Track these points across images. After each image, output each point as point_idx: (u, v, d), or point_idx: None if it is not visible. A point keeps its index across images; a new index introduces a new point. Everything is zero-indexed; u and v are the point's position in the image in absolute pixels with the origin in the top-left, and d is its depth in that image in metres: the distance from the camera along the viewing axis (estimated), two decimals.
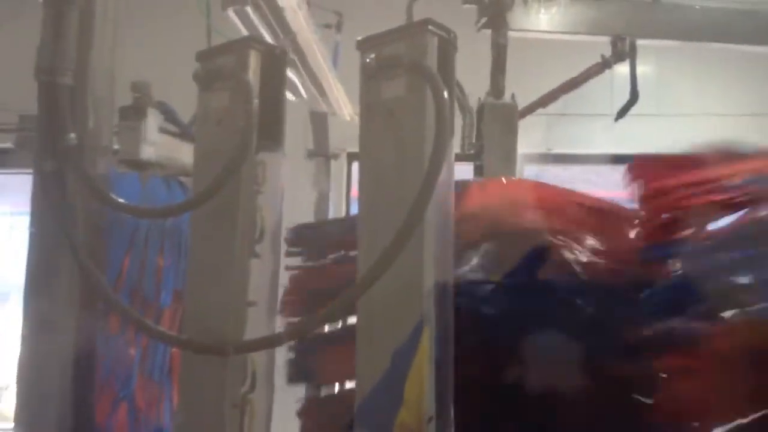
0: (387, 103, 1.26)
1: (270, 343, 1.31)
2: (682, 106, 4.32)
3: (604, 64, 2.65)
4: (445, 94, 1.18)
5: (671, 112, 4.27)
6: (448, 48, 1.27)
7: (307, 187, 3.38)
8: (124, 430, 3.21)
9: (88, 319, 1.46)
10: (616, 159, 4.57)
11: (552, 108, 3.03)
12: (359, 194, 1.30)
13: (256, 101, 1.33)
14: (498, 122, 2.08)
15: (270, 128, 1.42)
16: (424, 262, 1.21)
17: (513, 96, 2.16)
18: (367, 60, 1.28)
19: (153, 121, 2.72)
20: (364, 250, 1.26)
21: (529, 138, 3.97)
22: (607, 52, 2.66)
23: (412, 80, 1.23)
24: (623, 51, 2.58)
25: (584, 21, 2.61)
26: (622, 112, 2.80)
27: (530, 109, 2.63)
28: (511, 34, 2.40)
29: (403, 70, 1.24)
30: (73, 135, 1.35)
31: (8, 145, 3.86)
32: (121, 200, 1.35)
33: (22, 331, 1.39)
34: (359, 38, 1.33)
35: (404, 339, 1.19)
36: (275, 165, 1.43)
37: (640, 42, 2.69)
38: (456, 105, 2.65)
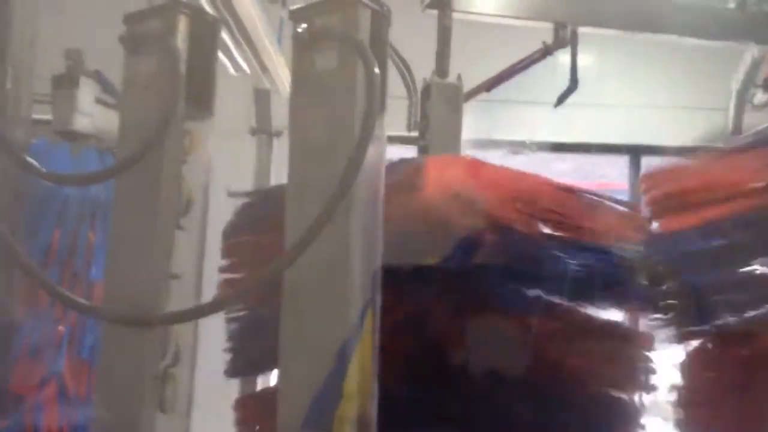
0: (318, 75, 1.24)
1: (192, 315, 1.29)
2: (622, 97, 4.41)
3: (546, 51, 2.67)
4: (376, 68, 1.17)
5: (611, 102, 4.36)
6: (381, 22, 1.26)
7: (249, 164, 3.33)
8: (52, 408, 3.13)
9: (6, 293, 1.40)
10: (556, 147, 4.66)
11: (494, 94, 3.05)
12: (288, 167, 1.28)
13: (183, 67, 1.29)
14: (443, 102, 2.04)
15: (199, 96, 1.38)
16: (351, 238, 1.20)
17: (459, 77, 2.14)
18: (299, 30, 1.25)
19: (88, 91, 2.63)
20: (292, 223, 1.24)
21: (471, 123, 4.00)
22: (550, 39, 2.68)
23: (344, 53, 1.21)
24: (565, 38, 2.61)
25: (529, 6, 2.61)
26: (561, 99, 2.83)
27: (474, 92, 2.64)
28: (456, 15, 2.39)
29: (335, 43, 1.22)
30: None
31: None
32: (38, 166, 1.29)
33: None
34: (292, 8, 1.30)
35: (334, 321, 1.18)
36: (203, 135, 1.39)
37: (582, 30, 2.72)
38: (404, 84, 2.65)
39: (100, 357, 1.45)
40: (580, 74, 2.88)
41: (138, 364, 1.30)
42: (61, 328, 3.05)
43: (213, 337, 1.58)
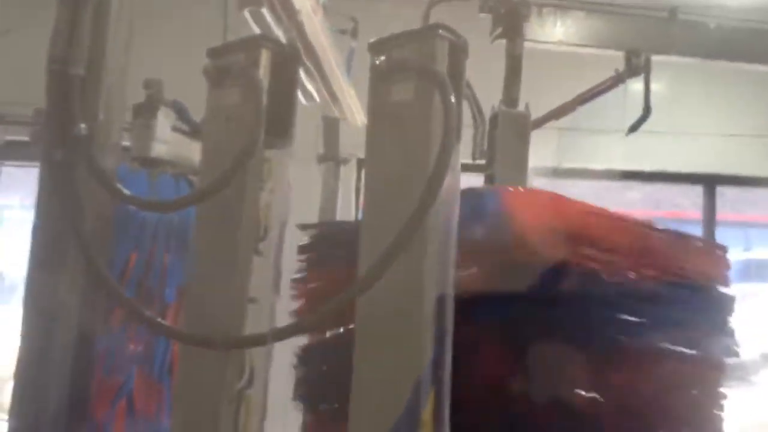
0: (395, 106, 1.26)
1: (261, 340, 1.32)
2: (695, 125, 4.31)
3: (618, 79, 2.64)
4: (453, 98, 1.18)
5: (683, 130, 4.26)
6: (458, 53, 1.27)
7: (315, 191, 3.39)
8: (121, 427, 3.21)
9: (90, 313, 1.46)
10: (628, 175, 4.56)
11: (564, 122, 3.03)
12: (364, 197, 1.30)
13: (265, 99, 1.33)
14: (510, 131, 2.04)
15: (279, 126, 1.42)
16: (425, 267, 1.20)
17: (527, 106, 2.14)
18: (377, 62, 1.28)
19: (165, 119, 2.74)
20: (366, 253, 1.25)
21: (540, 151, 3.97)
22: (621, 66, 2.65)
23: (421, 84, 1.23)
24: (637, 66, 2.58)
25: (599, 34, 2.60)
26: (634, 128, 2.80)
27: (542, 120, 2.63)
28: (526, 44, 2.39)
29: (412, 74, 1.24)
30: (83, 125, 1.36)
31: (22, 138, 3.90)
32: (127, 192, 1.35)
33: (23, 323, 1.39)
34: (371, 41, 1.33)
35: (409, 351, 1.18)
36: (282, 163, 1.43)
37: (654, 58, 2.69)
38: (470, 112, 2.66)
39: (176, 378, 1.49)
40: (653, 101, 2.84)
41: (214, 386, 1.33)
42: (132, 347, 3.14)
43: (284, 361, 1.61)
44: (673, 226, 1.62)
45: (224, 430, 1.31)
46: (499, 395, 1.40)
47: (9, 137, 4.02)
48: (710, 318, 1.55)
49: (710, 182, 4.46)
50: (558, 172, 4.60)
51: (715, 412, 1.53)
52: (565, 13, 2.69)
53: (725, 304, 1.57)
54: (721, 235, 4.73)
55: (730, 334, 1.57)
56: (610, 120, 3.24)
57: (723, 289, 1.57)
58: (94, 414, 3.04)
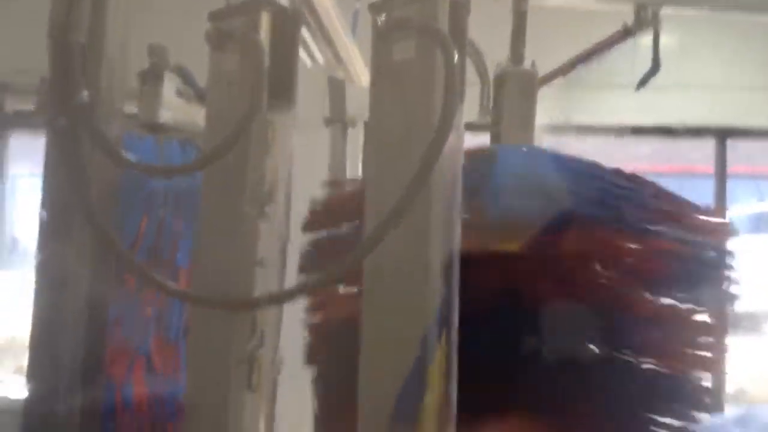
0: (397, 65, 1.25)
1: (275, 300, 1.33)
2: (705, 78, 4.24)
3: (626, 33, 2.59)
4: (455, 56, 1.17)
5: (694, 83, 4.20)
6: (460, 10, 1.26)
7: (323, 153, 3.38)
8: (141, 388, 3.28)
9: (101, 277, 1.48)
10: (637, 130, 4.52)
11: (572, 77, 2.99)
12: (367, 157, 1.31)
13: (267, 62, 1.33)
14: (517, 89, 1.99)
15: (281, 89, 1.42)
16: (430, 227, 1.21)
17: (533, 63, 2.09)
18: (378, 22, 1.27)
19: (170, 85, 2.74)
20: (371, 213, 1.26)
21: (547, 107, 3.93)
22: (630, 20, 2.61)
23: (422, 43, 1.22)
24: (646, 19, 2.53)
25: None
26: (643, 82, 2.75)
27: (550, 77, 2.59)
28: (534, 0, 2.35)
29: (413, 33, 1.23)
30: (85, 93, 1.36)
31: (29, 107, 3.91)
32: (130, 157, 1.36)
33: (35, 290, 1.42)
34: (371, 1, 1.32)
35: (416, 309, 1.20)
36: (286, 126, 1.43)
37: (664, 11, 2.64)
38: (476, 71, 2.63)
39: (188, 340, 1.52)
40: (663, 55, 2.80)
41: (225, 347, 1.36)
42: (148, 309, 3.19)
43: (295, 322, 1.63)
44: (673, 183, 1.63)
45: (236, 389, 1.34)
46: (509, 355, 1.42)
47: (17, 107, 4.03)
48: (712, 271, 1.56)
49: (721, 135, 4.41)
50: (566, 128, 4.57)
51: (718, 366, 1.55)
52: None
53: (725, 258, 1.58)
54: (734, 188, 4.70)
55: (733, 287, 1.58)
56: (619, 74, 3.19)
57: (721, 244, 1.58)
58: (112, 376, 3.12)
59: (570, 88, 3.52)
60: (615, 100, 4.02)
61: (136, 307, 3.16)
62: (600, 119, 4.38)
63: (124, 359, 3.18)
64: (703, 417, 1.53)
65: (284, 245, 1.44)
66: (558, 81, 2.86)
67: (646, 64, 2.83)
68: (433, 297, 1.19)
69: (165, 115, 2.79)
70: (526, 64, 2.23)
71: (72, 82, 1.35)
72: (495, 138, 2.09)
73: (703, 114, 4.33)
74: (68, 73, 1.34)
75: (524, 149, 1.82)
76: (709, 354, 1.54)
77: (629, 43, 2.79)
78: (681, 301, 1.53)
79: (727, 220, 1.67)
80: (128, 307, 3.12)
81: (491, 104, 2.26)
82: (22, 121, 3.91)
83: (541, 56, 2.36)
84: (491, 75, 2.40)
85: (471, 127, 2.03)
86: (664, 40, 2.80)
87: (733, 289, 1.58)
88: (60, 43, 1.36)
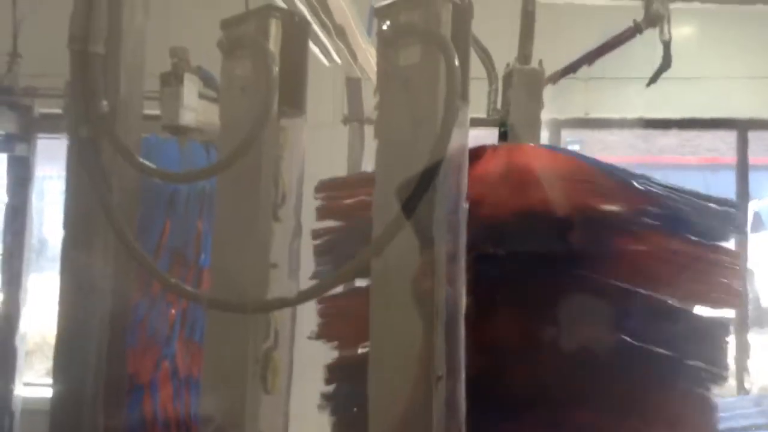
0: (403, 70, 1.28)
1: (287, 302, 1.37)
2: (726, 69, 4.19)
3: (636, 29, 2.59)
4: (457, 61, 1.20)
5: (715, 74, 4.15)
6: (463, 14, 1.28)
7: (341, 152, 3.42)
8: (167, 388, 3.35)
9: (123, 281, 1.53)
10: (659, 123, 4.48)
11: (591, 71, 2.99)
12: (375, 160, 1.34)
13: (276, 68, 1.36)
14: (523, 88, 2.02)
15: (292, 94, 1.45)
16: (435, 225, 1.24)
17: (540, 62, 2.11)
18: (384, 27, 1.30)
19: (192, 86, 2.79)
20: (379, 214, 1.29)
21: (567, 102, 3.92)
22: (639, 15, 2.60)
23: (427, 48, 1.25)
24: (656, 15, 2.52)
25: None
26: (654, 79, 2.75)
27: (559, 75, 2.59)
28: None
29: (418, 38, 1.25)
30: (105, 102, 1.41)
31: (56, 110, 4.01)
32: (150, 164, 1.41)
33: (60, 292, 1.46)
34: (377, 6, 1.34)
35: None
36: (297, 131, 1.47)
37: (676, 6, 2.62)
38: (484, 69, 2.65)
39: (206, 340, 1.56)
40: (679, 47, 2.78)
41: (241, 348, 1.40)
42: (173, 311, 3.26)
43: (309, 322, 1.67)
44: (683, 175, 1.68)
45: (252, 388, 1.38)
46: (520, 349, 1.46)
47: (42, 110, 4.12)
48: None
49: (743, 127, 4.36)
50: (587, 122, 4.55)
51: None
52: None
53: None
54: (756, 180, 4.63)
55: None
56: (638, 68, 3.18)
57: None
58: (139, 378, 3.19)
59: (589, 83, 3.51)
60: (635, 93, 3.99)
61: (161, 309, 3.23)
62: (620, 113, 4.35)
63: (150, 360, 3.25)
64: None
65: (297, 247, 1.48)
66: (578, 75, 2.86)
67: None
68: (439, 296, 1.22)
69: (187, 117, 2.85)
70: (534, 63, 2.25)
71: (92, 92, 1.39)
72: (502, 135, 2.13)
73: (725, 105, 4.28)
74: (88, 84, 1.39)
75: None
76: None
77: (648, 35, 2.77)
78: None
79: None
80: (153, 309, 3.19)
81: (499, 102, 2.29)
82: (48, 125, 4.00)
83: (551, 54, 2.37)
84: (499, 73, 2.43)
85: (479, 122, 2.09)
86: (684, 31, 2.78)
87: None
88: (79, 54, 1.40)
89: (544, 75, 2.08)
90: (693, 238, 1.61)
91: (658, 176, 1.74)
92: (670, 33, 2.59)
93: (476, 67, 2.42)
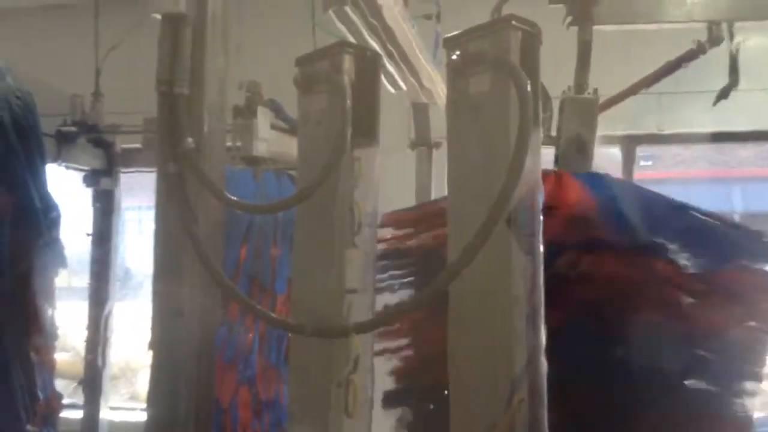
0: (473, 98, 1.31)
1: (381, 322, 1.40)
2: None
3: (699, 50, 2.57)
4: (528, 87, 1.22)
5: None
6: (532, 42, 1.30)
7: (410, 177, 3.46)
8: (246, 411, 3.44)
9: (211, 307, 1.60)
10: (735, 136, 4.36)
11: (662, 87, 2.97)
12: (448, 188, 1.37)
13: (349, 102, 1.41)
14: (577, 117, 2.08)
15: (365, 125, 1.50)
16: (513, 252, 1.25)
17: (595, 91, 2.16)
18: (453, 57, 1.33)
19: (264, 118, 2.90)
20: (453, 240, 1.32)
21: (640, 118, 3.86)
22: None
23: (497, 75, 1.28)
24: (719, 35, 2.50)
25: (672, 10, 2.54)
26: (721, 96, 2.72)
27: (615, 100, 2.62)
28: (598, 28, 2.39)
29: (488, 66, 1.28)
30: (190, 140, 1.49)
31: (136, 145, 4.21)
32: (234, 198, 1.48)
33: (152, 318, 1.54)
34: (446, 36, 1.38)
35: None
36: (371, 160, 1.51)
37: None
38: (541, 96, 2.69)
39: (290, 364, 1.61)
40: (754, 56, 2.72)
41: (324, 372, 1.44)
42: (250, 336, 3.35)
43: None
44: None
45: (336, 412, 1.42)
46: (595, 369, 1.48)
47: (124, 145, 4.34)
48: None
49: None
50: (660, 138, 4.46)
51: None
52: None
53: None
54: None
55: None
56: (711, 82, 3.12)
57: None
58: (220, 401, 3.29)
59: (662, 97, 3.45)
60: (709, 107, 3.91)
61: (239, 334, 3.33)
62: (694, 127, 4.25)
63: (230, 384, 3.35)
64: None
65: (374, 272, 1.52)
66: (652, 90, 2.85)
67: (742, 70, 2.75)
68: (518, 318, 1.24)
69: (261, 148, 2.96)
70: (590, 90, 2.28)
71: (178, 131, 1.48)
72: (556, 161, 2.19)
73: None
74: (175, 123, 1.48)
75: None
76: None
77: (722, 50, 2.73)
78: None
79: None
80: (233, 334, 3.29)
81: (552, 130, 2.35)
82: (129, 159, 4.20)
83: (607, 78, 2.39)
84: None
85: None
86: (758, 41, 2.72)
87: None
88: (166, 96, 1.49)
89: (597, 102, 2.13)
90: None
91: (737, 190, 1.84)
92: (736, 52, 2.55)
93: None
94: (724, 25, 2.50)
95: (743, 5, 2.44)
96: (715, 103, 2.75)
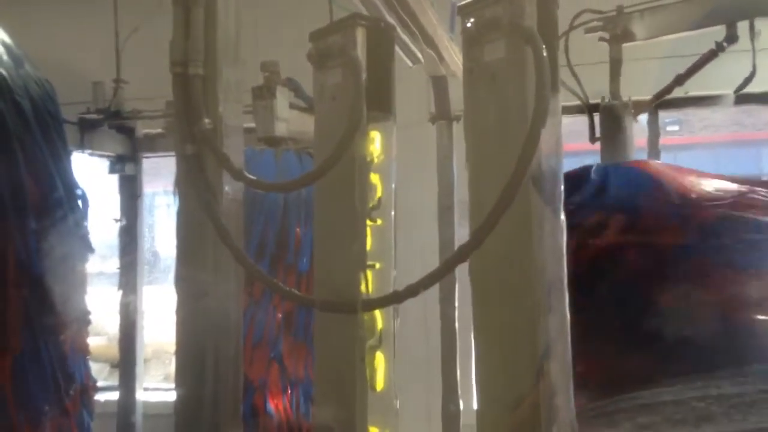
0: (489, 65, 1.29)
1: (392, 300, 1.40)
2: None
3: (717, 50, 2.66)
4: (545, 51, 1.19)
5: None
6: (548, 5, 1.27)
7: (431, 150, 3.43)
8: (276, 386, 3.49)
9: (233, 287, 1.61)
10: (755, 98, 4.25)
11: (688, 49, 2.97)
12: (467, 158, 1.35)
13: (364, 75, 1.39)
14: (612, 123, 2.48)
15: (381, 99, 1.49)
16: (533, 217, 1.24)
17: (629, 99, 2.50)
18: (468, 24, 1.31)
19: (283, 98, 2.88)
20: (474, 209, 1.30)
21: (664, 84, 3.79)
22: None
23: (512, 41, 1.25)
24: (734, 34, 2.59)
25: (687, 19, 2.64)
26: (741, 88, 2.78)
27: (645, 105, 2.90)
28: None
29: (503, 32, 1.26)
30: (207, 120, 1.49)
31: (157, 130, 4.24)
32: (252, 176, 1.47)
33: (177, 300, 1.56)
34: (460, 4, 1.35)
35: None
36: (387, 133, 1.50)
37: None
38: (581, 100, 2.80)
39: (315, 339, 1.61)
40: None
41: (347, 346, 1.44)
42: (279, 315, 3.39)
43: (411, 321, 1.70)
44: None
45: (361, 386, 1.42)
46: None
47: (145, 130, 4.36)
48: None
49: None
50: (685, 101, 4.40)
51: None
52: (655, 10, 2.70)
53: None
54: None
55: None
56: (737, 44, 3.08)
57: None
58: (251, 379, 3.33)
59: (685, 60, 3.41)
60: (733, 68, 3.83)
61: (266, 312, 3.36)
62: (721, 88, 4.16)
63: (260, 362, 3.39)
64: None
65: (391, 246, 1.51)
66: (675, 52, 2.89)
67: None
68: (540, 289, 1.22)
69: (281, 128, 2.95)
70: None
71: (195, 112, 1.47)
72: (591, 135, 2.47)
73: None
74: (190, 104, 1.47)
75: None
76: None
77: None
78: None
79: None
80: (259, 312, 3.32)
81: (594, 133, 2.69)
82: (151, 144, 4.23)
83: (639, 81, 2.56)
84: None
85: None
86: None
87: None
88: (180, 77, 1.49)
89: (630, 109, 2.50)
90: None
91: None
92: (754, 46, 2.61)
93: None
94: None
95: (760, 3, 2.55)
96: (736, 92, 2.84)
